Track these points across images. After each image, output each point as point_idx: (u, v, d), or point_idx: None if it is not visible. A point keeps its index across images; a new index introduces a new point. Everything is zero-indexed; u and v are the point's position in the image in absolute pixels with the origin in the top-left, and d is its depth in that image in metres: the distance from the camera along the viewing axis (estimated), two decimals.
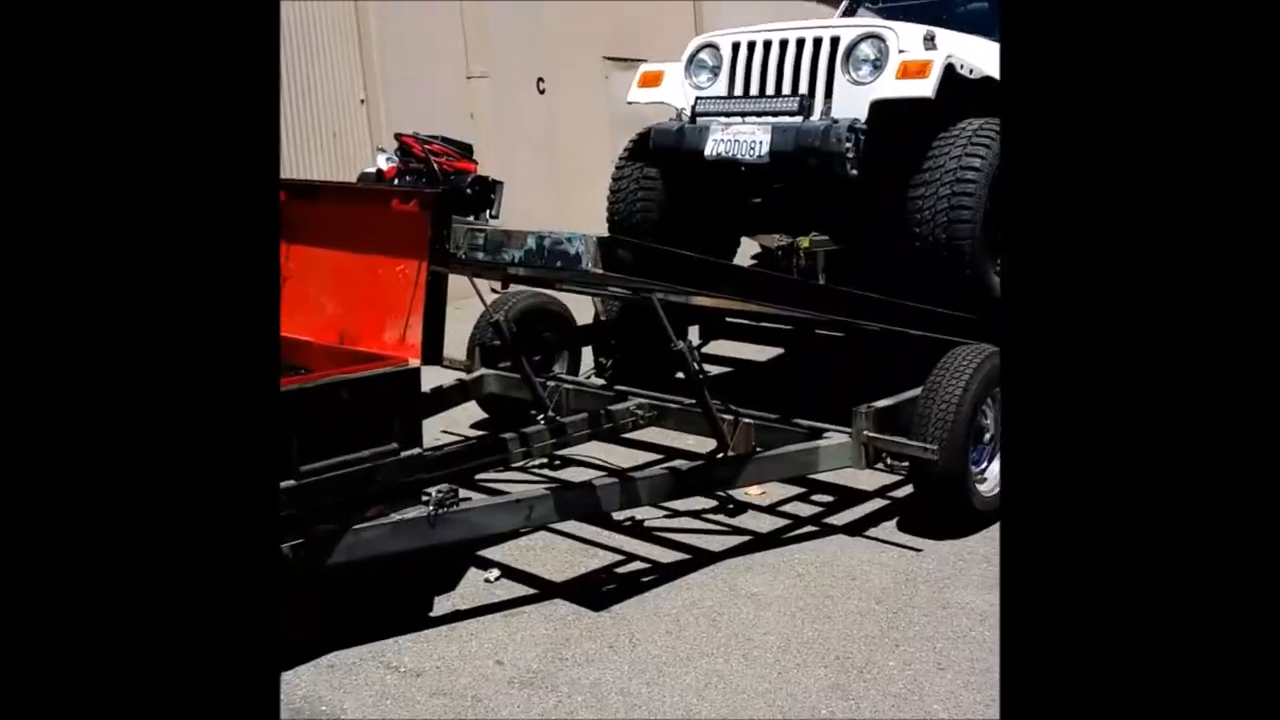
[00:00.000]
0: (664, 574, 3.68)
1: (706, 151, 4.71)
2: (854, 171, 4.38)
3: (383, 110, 8.79)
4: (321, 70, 8.31)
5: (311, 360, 3.34)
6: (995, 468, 4.11)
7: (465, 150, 3.63)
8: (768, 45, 4.78)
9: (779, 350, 6.58)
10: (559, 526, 4.01)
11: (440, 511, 3.16)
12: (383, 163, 3.62)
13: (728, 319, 5.85)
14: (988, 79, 4.52)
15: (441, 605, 3.46)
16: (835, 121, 4.43)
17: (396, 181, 3.52)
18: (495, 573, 3.67)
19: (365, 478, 3.09)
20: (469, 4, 9.61)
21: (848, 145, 4.33)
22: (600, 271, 2.96)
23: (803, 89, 4.61)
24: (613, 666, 3.06)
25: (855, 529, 4.07)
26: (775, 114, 4.63)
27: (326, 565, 3.03)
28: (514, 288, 5.26)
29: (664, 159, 5.04)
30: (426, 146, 3.49)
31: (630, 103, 5.33)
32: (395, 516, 3.15)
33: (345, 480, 3.04)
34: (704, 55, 5.03)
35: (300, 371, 3.15)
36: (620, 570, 3.73)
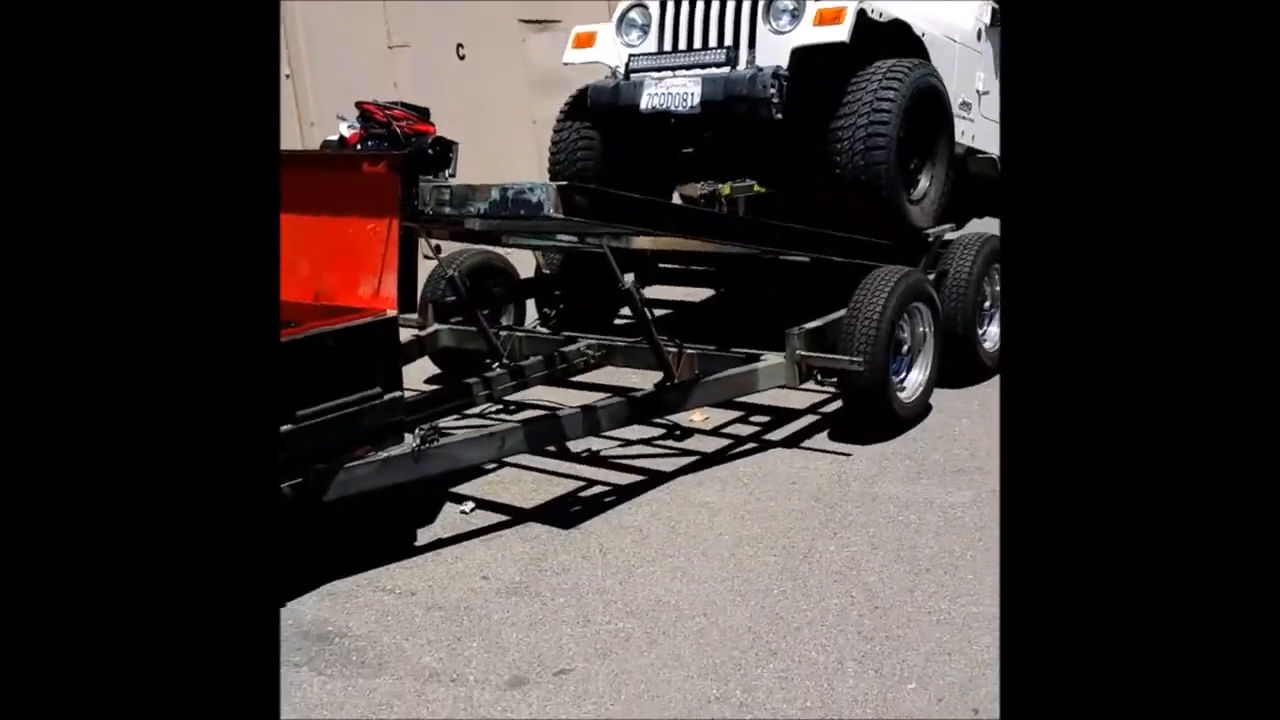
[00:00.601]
0: (624, 494, 4.06)
1: (642, 105, 5.01)
2: (779, 115, 4.71)
3: (308, 84, 8.92)
4: None
5: (295, 316, 3.62)
6: (914, 376, 4.59)
7: (423, 113, 3.90)
8: (693, 1, 5.09)
9: (710, 292, 6.98)
10: (524, 461, 4.37)
11: (423, 447, 3.50)
12: (344, 130, 3.87)
13: (660, 265, 6.23)
14: (896, 21, 4.91)
15: (424, 536, 3.80)
16: (760, 69, 4.76)
17: (360, 147, 3.78)
18: (470, 505, 4.02)
19: (353, 420, 3.40)
20: None
21: (772, 91, 4.66)
22: (561, 216, 3.29)
23: (728, 41, 4.93)
24: (587, 572, 3.43)
25: (791, 442, 4.50)
26: (704, 66, 4.94)
27: (323, 502, 3.35)
28: (459, 246, 5.58)
29: (602, 114, 5.32)
30: (388, 112, 3.76)
31: (566, 63, 5.61)
32: (382, 454, 3.47)
33: (336, 423, 3.35)
34: (634, 14, 5.32)
35: (289, 326, 3.43)
36: (584, 494, 4.11)
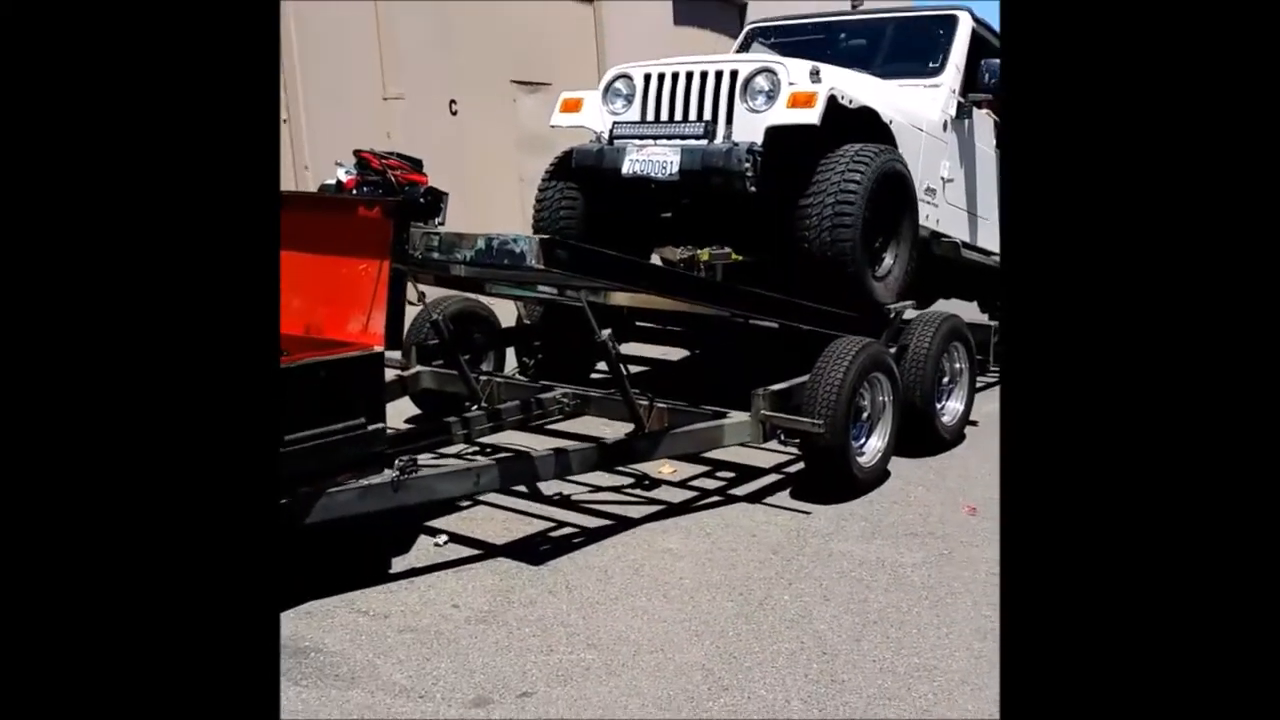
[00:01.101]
0: (591, 536, 4.23)
1: (624, 170, 5.26)
2: (752, 188, 4.94)
3: (304, 130, 9.18)
4: None
5: (287, 347, 3.80)
6: (873, 442, 4.80)
7: (417, 164, 4.13)
8: (675, 76, 5.34)
9: (684, 352, 7.21)
10: (497, 500, 4.55)
11: (402, 478, 3.67)
12: (342, 175, 4.09)
13: (638, 323, 6.46)
14: (866, 108, 5.21)
15: (399, 564, 3.95)
16: (736, 144, 5.00)
17: (355, 192, 4.00)
18: (444, 538, 4.18)
19: (337, 448, 3.57)
20: (385, 30, 10.05)
21: (747, 165, 4.90)
22: (542, 267, 3.50)
23: (707, 115, 5.19)
24: (553, 606, 3.60)
25: (754, 498, 4.70)
26: (684, 137, 5.19)
27: (306, 523, 3.51)
28: (444, 293, 5.79)
29: (586, 176, 5.58)
30: (384, 161, 3.98)
31: (554, 126, 5.85)
32: (363, 482, 3.63)
33: (321, 449, 3.52)
34: (619, 85, 5.57)
35: (282, 354, 3.60)
36: (553, 534, 4.27)
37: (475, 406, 4.92)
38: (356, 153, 4.07)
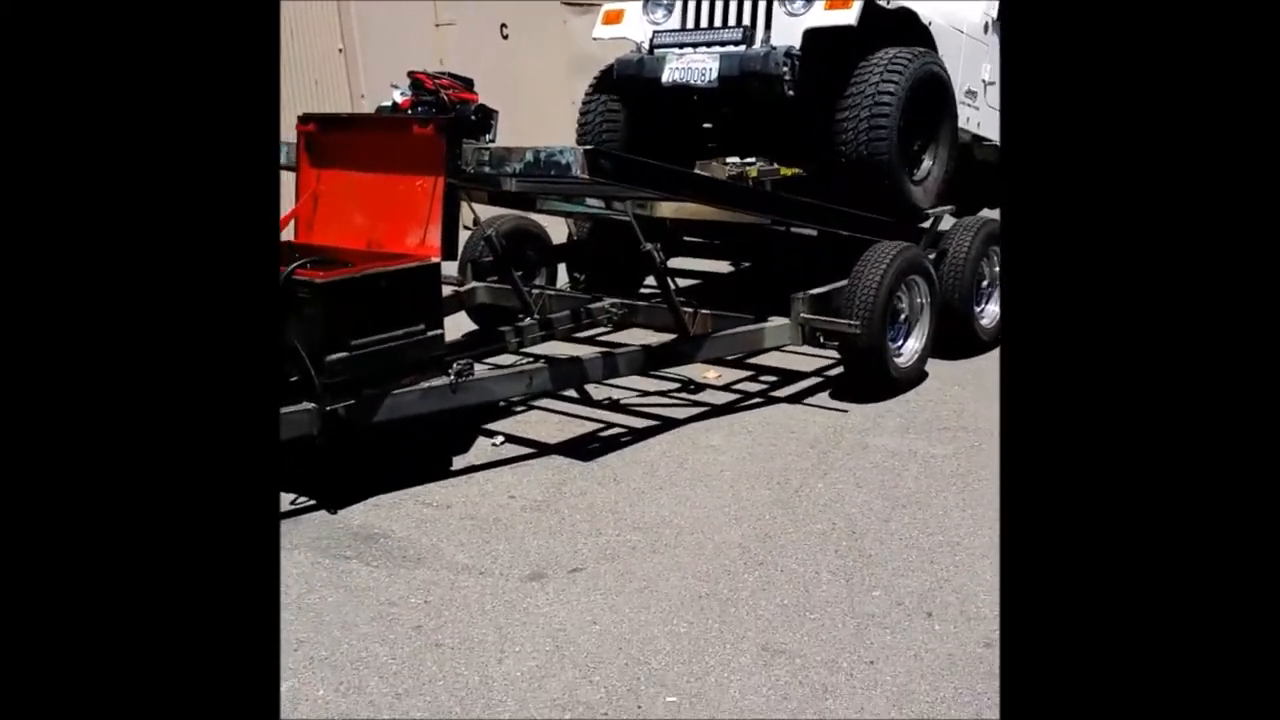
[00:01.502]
0: (639, 435, 4.48)
1: (664, 78, 5.33)
2: (791, 93, 5.00)
3: (360, 58, 9.39)
4: (303, 24, 8.88)
5: (351, 260, 4.06)
6: (910, 344, 4.98)
7: (468, 83, 4.31)
8: None
9: (728, 265, 7.39)
10: (549, 404, 4.82)
11: (460, 380, 3.93)
12: (397, 96, 4.29)
13: (684, 237, 6.63)
14: (904, 9, 5.26)
15: (459, 462, 4.24)
16: (774, 48, 5.05)
17: (411, 112, 4.21)
18: (500, 438, 4.46)
19: (399, 352, 3.83)
20: None
21: (784, 69, 4.96)
22: (587, 177, 3.70)
23: (745, 21, 5.25)
24: (602, 496, 3.87)
25: (794, 399, 4.92)
26: (723, 43, 5.26)
27: (371, 423, 3.80)
28: (497, 212, 6.01)
29: (627, 87, 5.65)
30: (436, 81, 4.18)
31: (595, 38, 5.97)
32: (424, 384, 3.91)
33: (384, 354, 3.79)
34: None
35: (346, 266, 3.86)
36: (603, 434, 4.53)
37: (528, 318, 5.16)
38: (410, 74, 4.27)
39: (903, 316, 4.93)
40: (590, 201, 5.29)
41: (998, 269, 5.71)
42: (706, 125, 6.03)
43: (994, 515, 3.57)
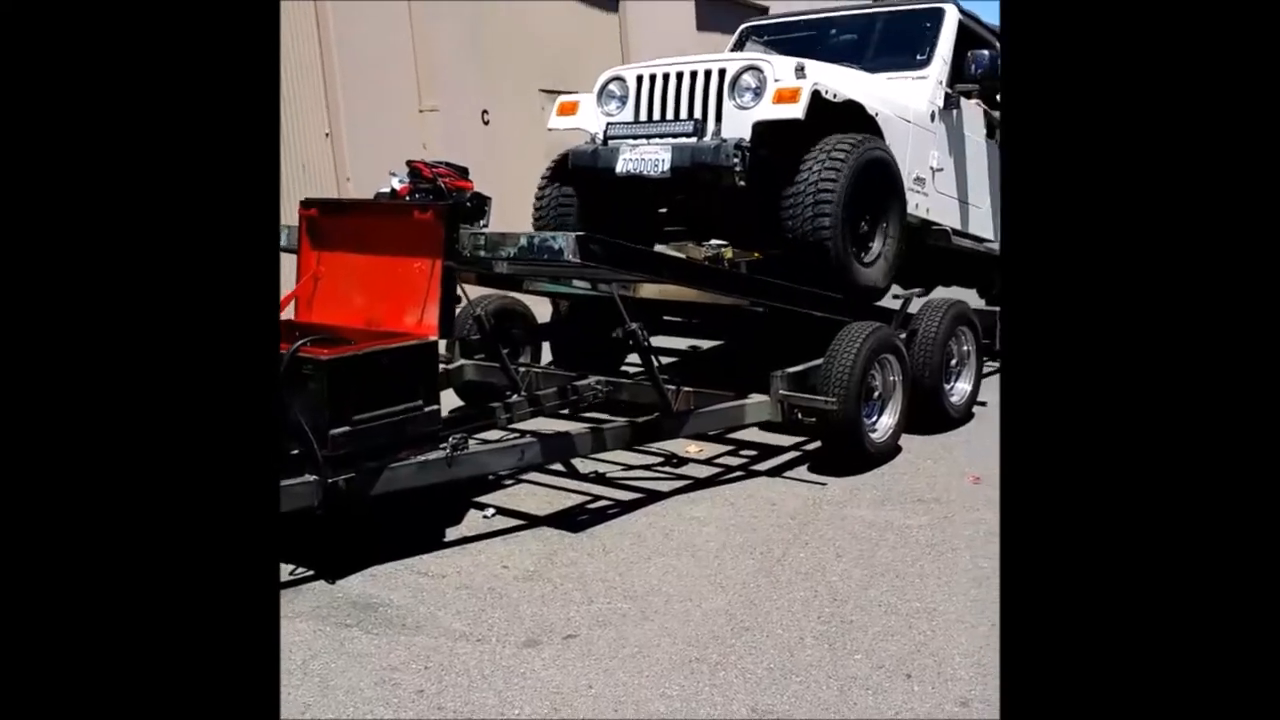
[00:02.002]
0: (625, 507, 4.64)
1: (618, 169, 5.46)
2: (741, 183, 5.14)
3: (345, 142, 9.67)
4: (290, 108, 9.15)
5: (352, 338, 4.23)
6: (884, 420, 5.19)
7: (463, 172, 4.55)
8: (666, 77, 5.56)
9: (706, 343, 7.62)
10: (537, 478, 4.98)
11: (456, 454, 4.09)
12: (395, 183, 4.52)
13: (664, 316, 6.85)
14: (850, 101, 5.42)
15: (452, 534, 4.37)
16: (724, 140, 5.19)
17: (408, 198, 4.43)
18: (491, 510, 4.60)
19: (399, 427, 3.99)
20: (421, 44, 10.52)
21: (735, 160, 5.09)
22: (579, 261, 3.91)
23: (697, 114, 5.39)
24: (592, 565, 4.01)
25: (774, 472, 5.10)
26: (675, 135, 5.41)
27: (369, 495, 3.94)
28: (483, 291, 6.22)
29: (581, 176, 5.79)
30: (434, 169, 4.41)
31: (550, 129, 6.12)
32: (421, 458, 4.06)
33: (384, 428, 3.94)
34: (613, 86, 5.80)
35: (347, 344, 4.03)
36: (590, 507, 4.69)
37: (515, 394, 5.33)
38: (409, 163, 4.50)
39: (876, 394, 5.16)
40: (576, 282, 5.49)
41: (966, 348, 5.96)
42: (661, 210, 6.17)
43: (968, 583, 3.75)
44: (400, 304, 4.26)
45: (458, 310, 5.61)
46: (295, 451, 3.84)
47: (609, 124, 5.73)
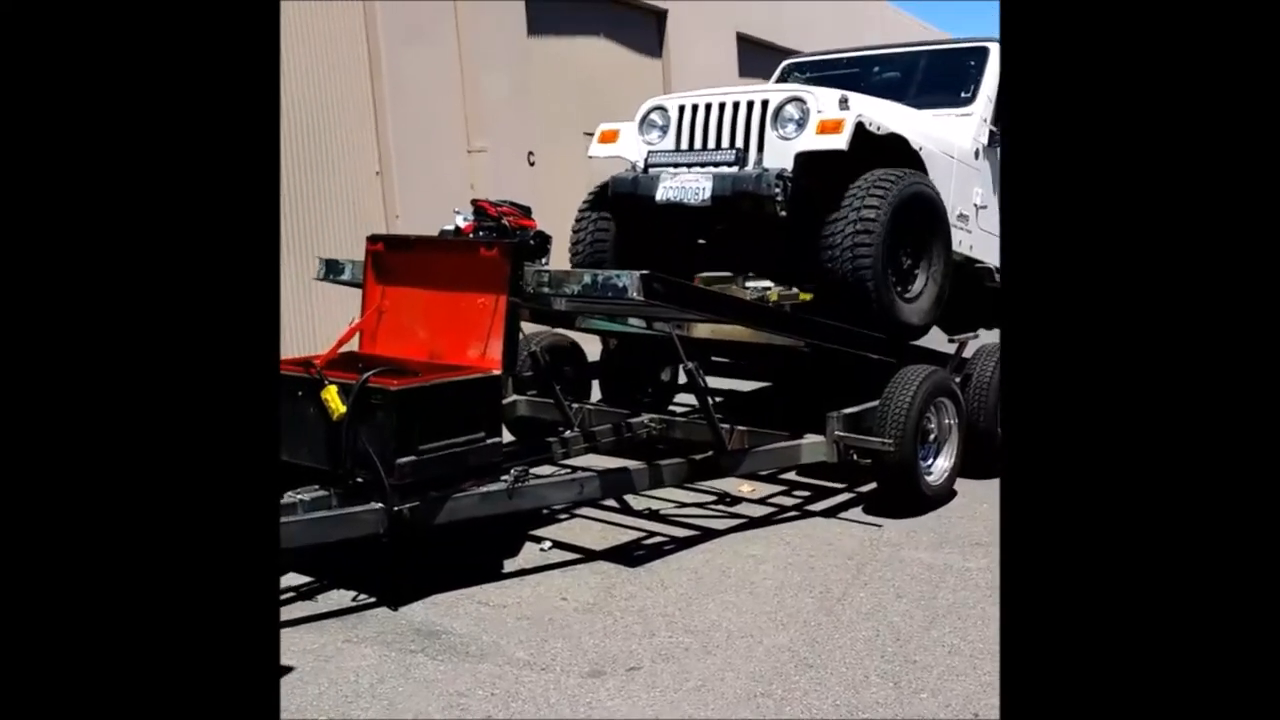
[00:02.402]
0: (681, 544, 4.65)
1: (658, 196, 5.40)
2: (783, 213, 5.05)
3: (395, 181, 9.83)
4: (341, 147, 9.33)
5: (417, 370, 4.29)
6: (940, 463, 5.19)
7: (526, 211, 4.64)
8: (708, 107, 5.49)
9: (750, 385, 7.65)
10: (592, 514, 5.00)
11: (517, 485, 4.13)
12: (460, 221, 4.61)
13: (713, 357, 6.89)
14: (894, 135, 5.35)
15: (510, 566, 4.40)
16: (766, 170, 5.11)
17: (473, 236, 4.52)
18: (548, 544, 4.63)
19: (462, 457, 4.04)
20: (470, 87, 10.71)
21: (776, 190, 5.01)
22: (642, 299, 3.96)
23: (739, 143, 5.32)
24: (652, 600, 4.02)
25: (830, 513, 5.10)
26: (716, 164, 5.35)
27: (433, 523, 3.98)
28: (537, 329, 6.28)
29: (621, 204, 5.71)
30: (499, 208, 4.50)
31: (591, 156, 6.08)
32: (483, 489, 4.10)
33: (449, 458, 3.99)
34: (654, 116, 5.75)
35: (414, 375, 4.09)
36: (646, 542, 4.71)
37: (569, 430, 5.37)
38: (474, 201, 4.60)
39: (932, 436, 5.16)
40: (632, 320, 5.53)
41: None
42: (700, 241, 6.11)
43: None
44: (464, 338, 4.32)
45: None
46: (361, 479, 3.90)
47: (650, 152, 5.69)
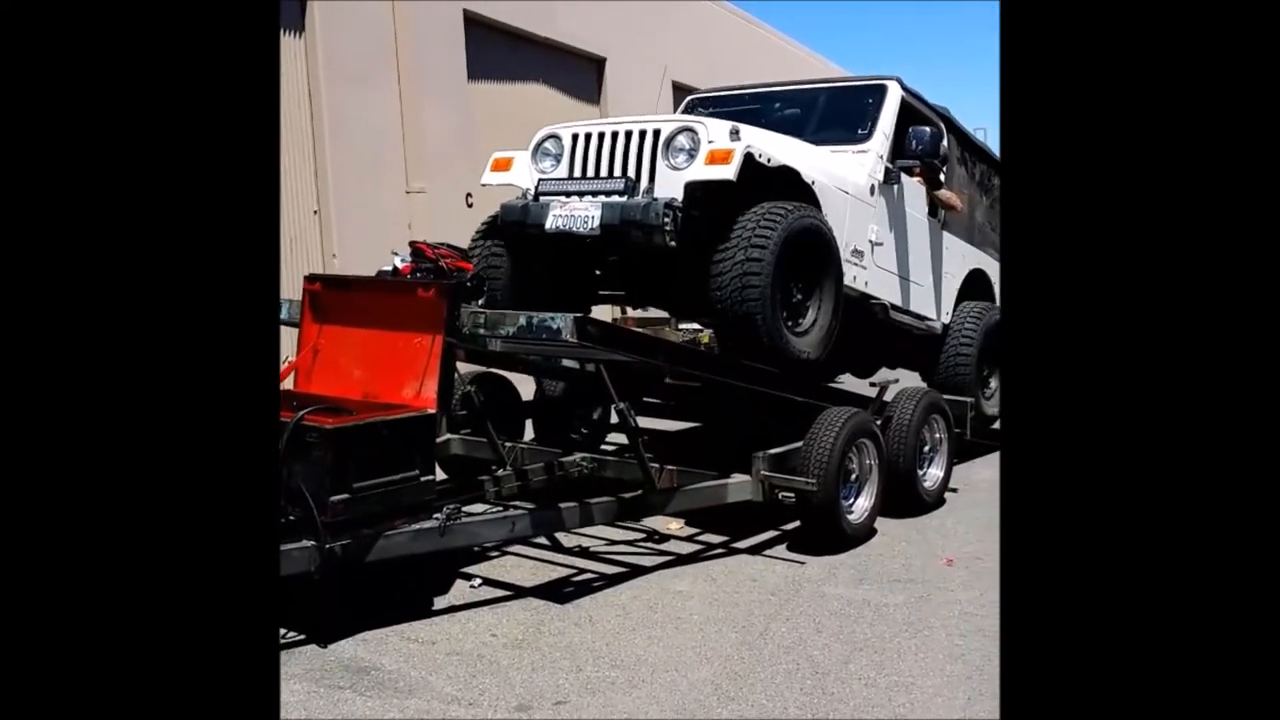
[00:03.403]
0: (610, 580, 4.75)
1: (548, 225, 5.30)
2: (672, 243, 4.98)
3: (333, 220, 9.88)
4: (282, 186, 9.38)
5: (352, 409, 4.36)
6: (861, 502, 5.35)
7: (464, 253, 4.75)
8: (601, 136, 5.42)
9: (677, 425, 7.80)
10: (522, 550, 5.08)
11: (449, 523, 4.21)
12: (398, 262, 4.70)
13: (644, 398, 7.03)
14: (786, 168, 5.36)
15: (440, 603, 4.46)
16: (655, 199, 5.04)
17: (411, 277, 4.61)
18: (478, 580, 4.70)
19: (396, 495, 4.11)
20: (409, 128, 10.83)
21: (666, 220, 4.94)
22: (576, 341, 4.08)
23: (630, 173, 5.25)
24: (579, 635, 4.11)
25: (755, 550, 5.24)
26: (606, 193, 5.28)
27: (364, 561, 4.04)
28: (471, 367, 6.37)
29: (511, 232, 5.59)
30: (436, 250, 4.60)
31: (484, 184, 5.96)
32: (414, 526, 4.17)
33: (382, 496, 4.06)
34: (548, 144, 5.66)
35: (349, 414, 4.16)
36: (576, 579, 4.80)
37: (502, 469, 5.46)
38: (412, 243, 4.70)
39: (854, 476, 5.33)
40: (565, 360, 5.65)
41: (938, 435, 6.17)
42: (597, 272, 6.05)
43: (944, 659, 3.89)
44: (400, 377, 4.41)
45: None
46: (293, 517, 3.95)
47: (540, 180, 5.59)
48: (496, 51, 12.19)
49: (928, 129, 6.50)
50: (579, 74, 14.11)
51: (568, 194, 5.41)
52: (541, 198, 5.50)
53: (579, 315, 4.12)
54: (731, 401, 6.30)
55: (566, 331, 4.08)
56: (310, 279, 4.76)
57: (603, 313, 10.34)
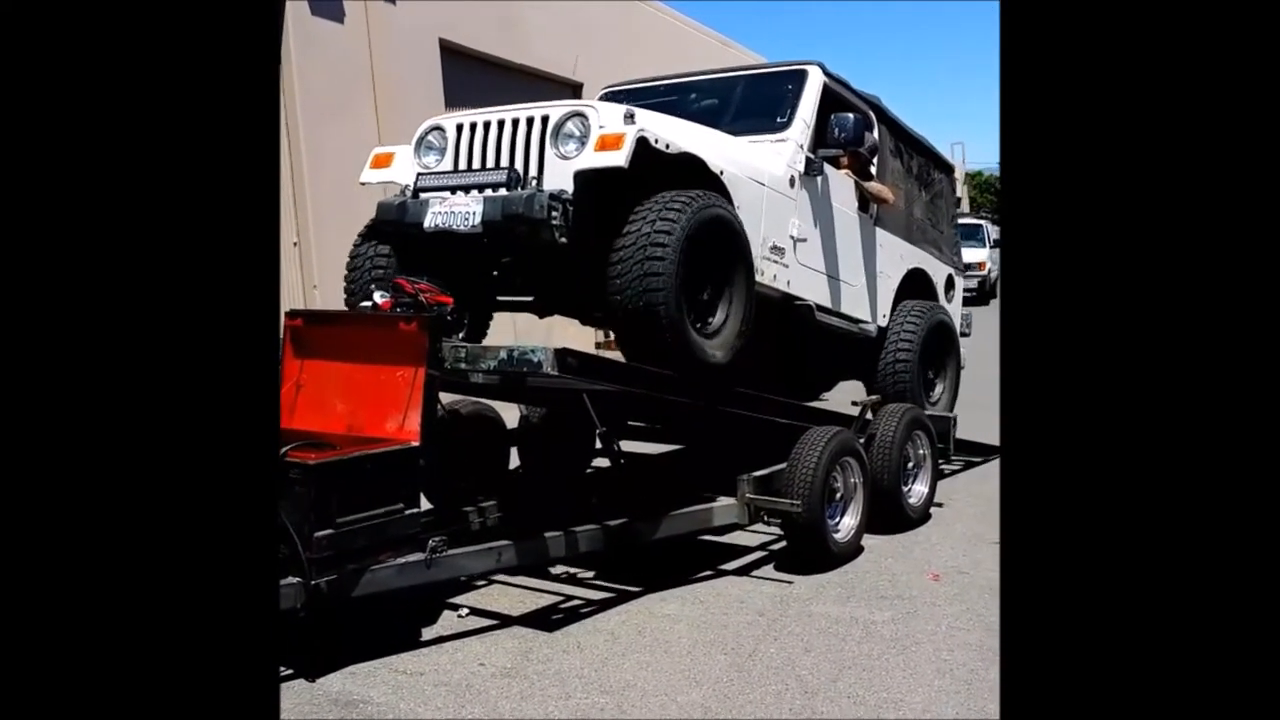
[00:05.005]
0: (598, 606, 4.76)
1: (425, 223, 4.86)
2: (563, 239, 4.55)
3: (313, 252, 9.89)
4: None
5: (336, 443, 4.37)
6: (846, 520, 5.39)
7: (444, 288, 4.76)
8: (487, 125, 4.97)
9: (672, 447, 7.82)
10: (509, 580, 5.09)
11: (434, 556, 4.21)
12: (379, 298, 4.70)
13: (629, 422, 7.05)
14: (689, 155, 4.88)
15: (428, 634, 4.46)
16: (540, 191, 4.60)
17: (392, 312, 4.62)
18: (465, 610, 4.70)
19: (381, 529, 4.11)
20: None
21: (554, 213, 4.51)
22: (556, 373, 4.10)
23: (517, 164, 4.81)
24: (567, 662, 4.12)
25: (742, 571, 5.26)
26: (489, 186, 4.83)
27: (350, 596, 4.04)
28: (456, 398, 6.39)
29: (389, 232, 5.18)
30: (416, 285, 4.62)
31: (362, 183, 5.53)
32: (400, 560, 4.17)
33: (367, 531, 4.06)
34: (432, 137, 5.20)
35: (331, 449, 4.17)
36: (563, 606, 4.80)
37: (487, 499, 5.47)
38: (393, 280, 4.71)
39: (839, 495, 5.36)
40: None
41: (922, 451, 6.21)
42: (495, 274, 5.52)
43: (932, 674, 3.91)
44: (382, 411, 4.41)
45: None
46: (278, 554, 3.94)
47: (419, 174, 5.12)
48: (473, 79, 12.24)
49: (851, 115, 5.97)
50: (555, 99, 14.15)
51: (449, 189, 4.95)
52: (421, 194, 5.04)
53: (560, 348, 4.14)
54: (716, 424, 6.32)
55: (548, 364, 4.10)
56: (292, 314, 4.76)
57: (585, 338, 10.44)
